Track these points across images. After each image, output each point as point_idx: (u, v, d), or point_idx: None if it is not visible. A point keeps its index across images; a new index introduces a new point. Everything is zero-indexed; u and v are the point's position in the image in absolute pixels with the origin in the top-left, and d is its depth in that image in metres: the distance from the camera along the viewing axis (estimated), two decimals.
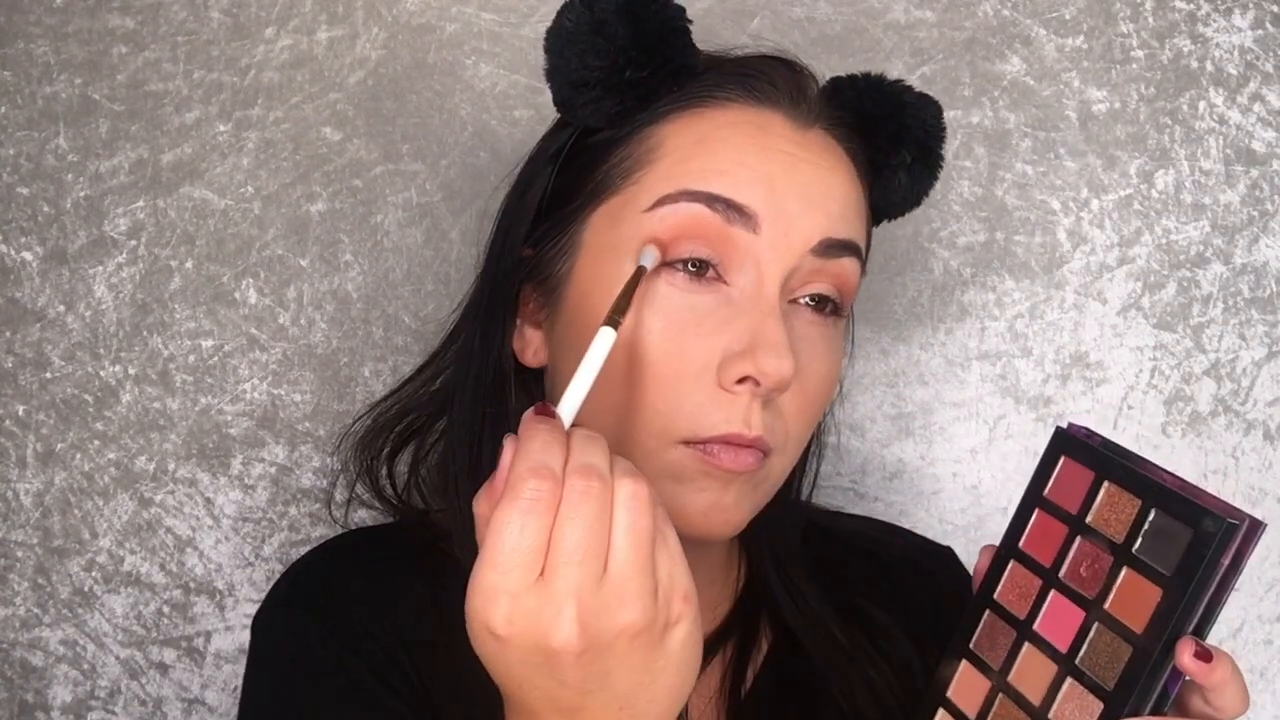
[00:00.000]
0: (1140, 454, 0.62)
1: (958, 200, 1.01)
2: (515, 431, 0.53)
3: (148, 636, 0.97)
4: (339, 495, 0.94)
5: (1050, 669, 0.61)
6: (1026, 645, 0.63)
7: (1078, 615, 0.61)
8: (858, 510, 1.00)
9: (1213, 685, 0.56)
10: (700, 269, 0.64)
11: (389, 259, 0.97)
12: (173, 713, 0.98)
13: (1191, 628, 0.56)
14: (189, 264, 0.96)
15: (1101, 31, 1.01)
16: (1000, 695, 0.64)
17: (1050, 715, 0.61)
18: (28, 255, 0.95)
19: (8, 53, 0.95)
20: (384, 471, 0.79)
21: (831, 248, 0.65)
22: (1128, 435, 1.02)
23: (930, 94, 0.73)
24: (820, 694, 0.75)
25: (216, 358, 0.96)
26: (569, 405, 0.55)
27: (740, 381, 0.62)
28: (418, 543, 0.74)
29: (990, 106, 1.01)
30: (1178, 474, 0.59)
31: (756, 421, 0.63)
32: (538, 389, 0.72)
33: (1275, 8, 1.01)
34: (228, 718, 0.98)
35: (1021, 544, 0.65)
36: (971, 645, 0.66)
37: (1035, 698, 0.62)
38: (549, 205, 0.70)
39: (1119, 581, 0.59)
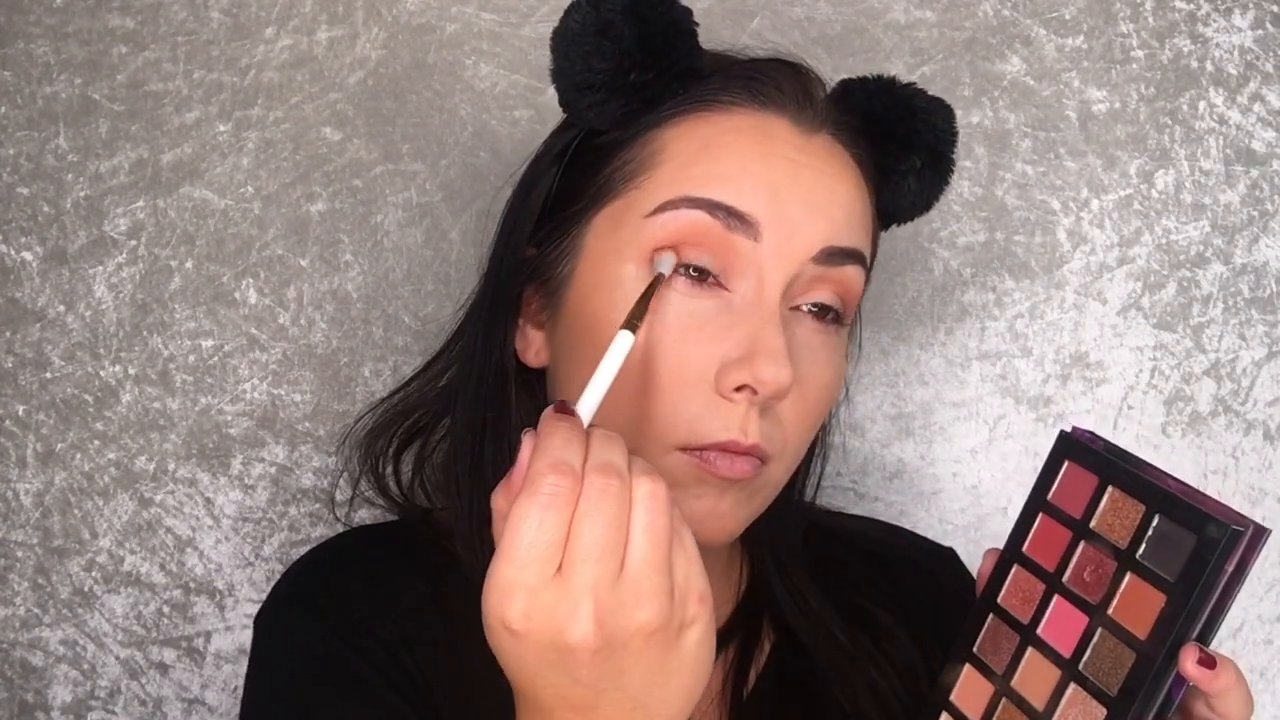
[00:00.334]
0: (1140, 454, 0.62)
1: (958, 200, 1.01)
2: (516, 432, 0.53)
3: (148, 636, 0.97)
4: (340, 494, 0.94)
5: (1054, 674, 0.61)
6: (1030, 650, 0.63)
7: (1081, 620, 0.61)
8: (858, 510, 1.00)
9: (1216, 692, 0.56)
10: (701, 275, 0.63)
11: (389, 259, 0.97)
12: (173, 713, 0.98)
13: (1195, 634, 0.57)
14: (189, 264, 0.96)
15: (1101, 31, 1.01)
16: (1004, 700, 0.64)
17: None
18: (28, 255, 0.95)
19: (8, 53, 0.94)
20: (389, 469, 0.78)
21: (834, 255, 0.65)
22: (1128, 435, 1.02)
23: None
24: (822, 695, 0.75)
25: (216, 358, 0.96)
26: (588, 405, 0.55)
27: (738, 390, 0.62)
28: (419, 541, 0.74)
29: (990, 106, 1.00)
30: (1182, 479, 0.59)
31: (754, 429, 0.63)
32: (540, 389, 0.72)
33: (1275, 8, 1.00)
34: (228, 718, 0.98)
35: (1025, 548, 0.65)
36: (975, 649, 0.66)
37: (1039, 703, 0.62)
38: (553, 206, 0.70)
39: (1123, 587, 0.59)
